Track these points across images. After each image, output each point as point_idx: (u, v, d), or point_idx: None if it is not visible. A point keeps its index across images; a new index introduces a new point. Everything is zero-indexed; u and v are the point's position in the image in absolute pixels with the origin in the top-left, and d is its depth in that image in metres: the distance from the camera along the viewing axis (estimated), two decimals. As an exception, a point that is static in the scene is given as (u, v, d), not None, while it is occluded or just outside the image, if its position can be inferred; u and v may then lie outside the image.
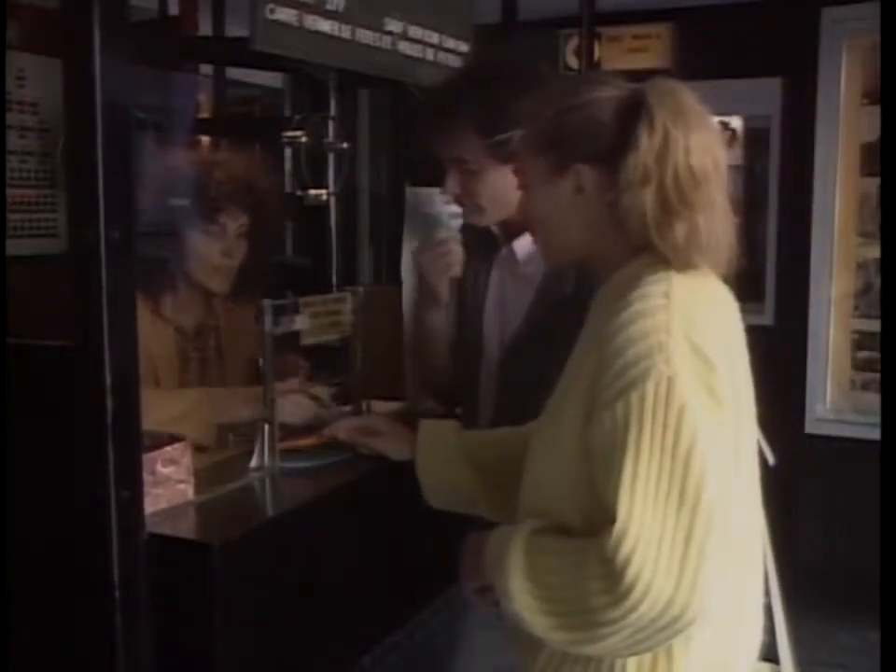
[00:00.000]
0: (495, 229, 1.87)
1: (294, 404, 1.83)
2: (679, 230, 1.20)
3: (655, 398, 1.11)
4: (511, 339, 1.81)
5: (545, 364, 1.68)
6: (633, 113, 1.21)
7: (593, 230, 1.28)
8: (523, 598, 1.17)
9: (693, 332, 1.15)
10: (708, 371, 1.14)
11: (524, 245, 1.81)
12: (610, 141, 1.22)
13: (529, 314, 1.79)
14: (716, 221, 1.22)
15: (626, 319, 1.16)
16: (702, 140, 1.21)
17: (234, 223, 1.97)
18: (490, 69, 1.77)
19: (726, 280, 1.30)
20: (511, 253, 1.84)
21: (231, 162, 2.06)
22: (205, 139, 2.69)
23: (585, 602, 1.12)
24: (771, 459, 1.34)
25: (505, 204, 1.78)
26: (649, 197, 1.19)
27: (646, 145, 1.18)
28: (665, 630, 1.10)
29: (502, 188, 1.75)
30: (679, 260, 1.21)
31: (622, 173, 1.20)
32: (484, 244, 1.91)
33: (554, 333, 1.68)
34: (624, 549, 1.08)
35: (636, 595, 1.08)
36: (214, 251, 1.96)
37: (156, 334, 1.90)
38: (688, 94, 1.23)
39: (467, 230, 2.01)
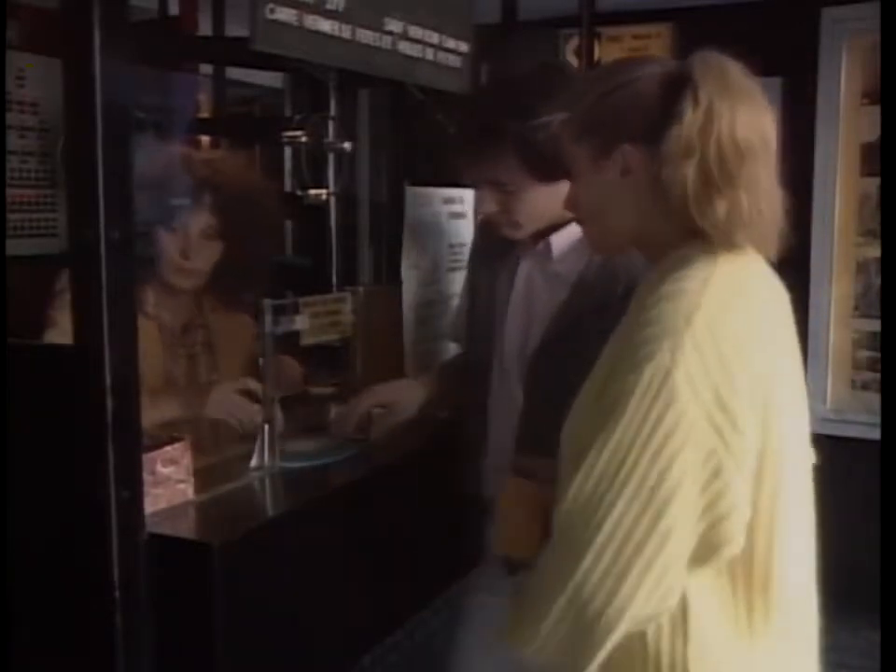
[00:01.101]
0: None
1: (231, 403, 1.84)
2: (720, 205, 1.15)
3: (647, 386, 1.07)
4: (541, 339, 1.76)
5: (577, 362, 1.66)
6: (678, 87, 1.17)
7: (642, 213, 1.24)
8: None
9: (720, 327, 1.10)
10: (725, 376, 1.08)
11: (561, 240, 1.77)
12: (655, 117, 1.17)
13: (563, 312, 1.74)
14: (761, 199, 1.17)
15: (656, 299, 1.13)
16: (749, 114, 1.16)
17: (197, 224, 1.95)
18: (519, 84, 1.72)
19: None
20: (547, 248, 1.79)
21: (200, 163, 2.03)
22: (202, 139, 2.69)
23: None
24: (812, 459, 1.28)
25: (542, 219, 1.75)
26: (690, 170, 1.14)
27: (689, 117, 1.14)
28: (582, 618, 1.07)
29: (542, 205, 1.72)
30: (719, 238, 1.16)
31: (664, 145, 1.15)
32: (502, 243, 1.86)
33: (590, 332, 1.67)
34: (563, 523, 1.09)
35: (565, 557, 1.08)
36: (173, 250, 1.94)
37: (140, 331, 1.89)
38: (736, 68, 1.19)
39: (482, 228, 1.99)
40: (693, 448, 1.06)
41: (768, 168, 1.19)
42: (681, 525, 1.06)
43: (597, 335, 1.66)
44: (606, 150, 1.23)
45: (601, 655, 1.10)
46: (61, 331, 1.75)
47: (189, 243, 1.94)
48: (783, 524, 1.15)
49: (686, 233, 1.20)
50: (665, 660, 1.13)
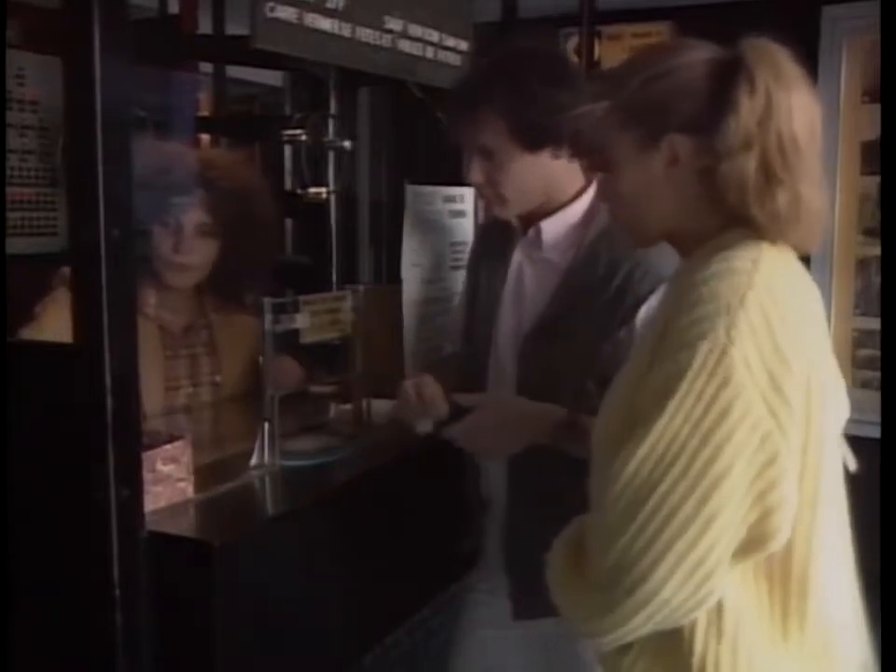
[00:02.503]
0: (514, 220, 1.86)
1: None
2: (783, 198, 1.12)
3: (703, 364, 1.03)
4: (535, 323, 1.78)
5: (571, 351, 1.68)
6: (730, 74, 1.13)
7: (685, 204, 1.20)
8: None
9: (771, 309, 1.07)
10: (778, 359, 1.04)
11: (552, 228, 1.79)
12: (706, 106, 1.14)
13: (555, 298, 1.76)
14: (815, 192, 1.15)
15: (703, 278, 1.10)
16: (802, 103, 1.13)
17: (192, 221, 1.94)
18: (519, 58, 1.76)
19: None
20: (537, 234, 1.81)
21: (195, 160, 2.03)
22: (203, 137, 2.69)
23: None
24: (853, 465, 1.24)
25: (529, 195, 1.77)
26: (751, 163, 1.11)
27: (747, 107, 1.11)
28: (614, 592, 1.05)
29: (527, 177, 1.74)
30: (774, 231, 1.14)
31: (720, 138, 1.11)
32: (502, 235, 1.90)
33: (583, 317, 1.69)
34: (611, 501, 1.05)
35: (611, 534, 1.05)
36: (166, 246, 1.94)
37: (139, 333, 1.88)
38: (786, 54, 1.16)
39: (482, 230, 2.02)
40: (749, 430, 1.03)
41: (818, 160, 1.16)
42: (729, 510, 1.02)
43: (589, 320, 1.68)
44: (653, 139, 1.18)
45: (626, 637, 1.08)
46: (39, 328, 1.75)
47: (181, 237, 1.94)
48: (822, 524, 1.12)
49: (727, 224, 1.16)
50: (697, 656, 1.10)
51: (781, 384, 1.04)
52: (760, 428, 1.03)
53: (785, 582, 1.12)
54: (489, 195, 1.81)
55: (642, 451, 1.04)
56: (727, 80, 1.13)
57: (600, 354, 1.64)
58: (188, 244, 1.95)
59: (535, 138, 1.71)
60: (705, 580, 1.04)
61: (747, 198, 1.13)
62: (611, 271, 1.67)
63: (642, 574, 1.03)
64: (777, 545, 1.07)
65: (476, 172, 1.77)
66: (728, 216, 1.16)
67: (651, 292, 1.61)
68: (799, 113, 1.13)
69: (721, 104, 1.12)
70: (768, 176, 1.12)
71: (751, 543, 1.06)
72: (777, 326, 1.06)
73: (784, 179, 1.12)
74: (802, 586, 1.12)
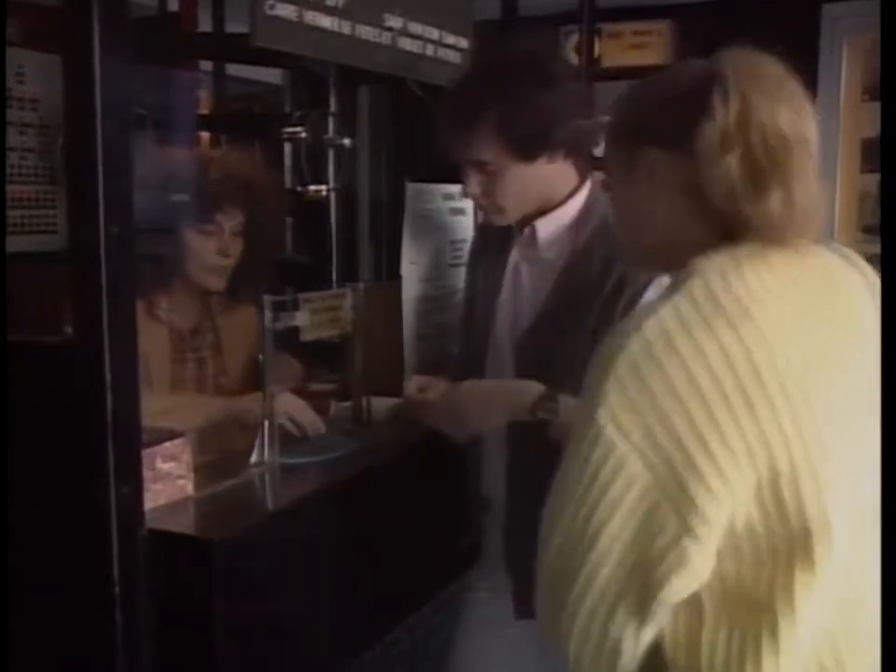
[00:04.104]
0: (513, 224, 1.86)
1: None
2: (775, 196, 1.10)
3: (581, 422, 1.06)
4: (531, 323, 1.79)
5: (567, 349, 1.69)
6: (704, 85, 1.12)
7: (673, 220, 1.18)
8: None
9: (645, 364, 1.02)
10: (657, 414, 1.01)
11: (547, 227, 1.79)
12: (681, 118, 1.13)
13: (552, 296, 1.77)
14: (811, 193, 1.13)
15: (606, 339, 1.09)
16: (790, 106, 1.12)
17: (230, 221, 1.96)
18: (510, 67, 1.73)
19: None
20: (533, 234, 1.81)
21: (227, 160, 2.06)
22: (203, 136, 2.69)
23: None
24: None
25: (527, 202, 1.78)
26: (734, 164, 1.09)
27: (721, 112, 1.10)
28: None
29: (523, 186, 1.75)
30: (772, 231, 1.11)
31: (698, 145, 1.10)
32: (500, 234, 1.89)
33: (579, 315, 1.69)
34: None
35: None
36: (209, 249, 1.95)
37: (149, 335, 1.89)
38: (766, 58, 1.15)
39: (482, 231, 2.02)
40: (622, 488, 1.01)
41: (813, 161, 1.14)
42: (611, 563, 1.03)
43: (585, 318, 1.69)
44: (636, 156, 1.19)
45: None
46: None
47: (222, 239, 1.95)
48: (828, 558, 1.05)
49: (716, 241, 1.13)
50: None
51: (661, 439, 1.00)
52: (637, 484, 1.01)
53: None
54: (487, 205, 1.81)
55: (550, 496, 1.08)
56: (701, 91, 1.12)
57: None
58: (228, 245, 1.96)
59: (530, 148, 1.71)
60: (602, 636, 1.05)
61: (737, 200, 1.11)
62: (607, 267, 1.68)
63: (557, 621, 1.07)
64: (674, 598, 1.04)
65: (473, 185, 1.78)
66: (722, 228, 1.13)
67: (647, 284, 1.62)
68: (785, 111, 1.12)
69: (695, 114, 1.11)
70: (756, 175, 1.10)
71: (647, 602, 1.03)
72: (653, 381, 1.01)
73: (774, 177, 1.10)
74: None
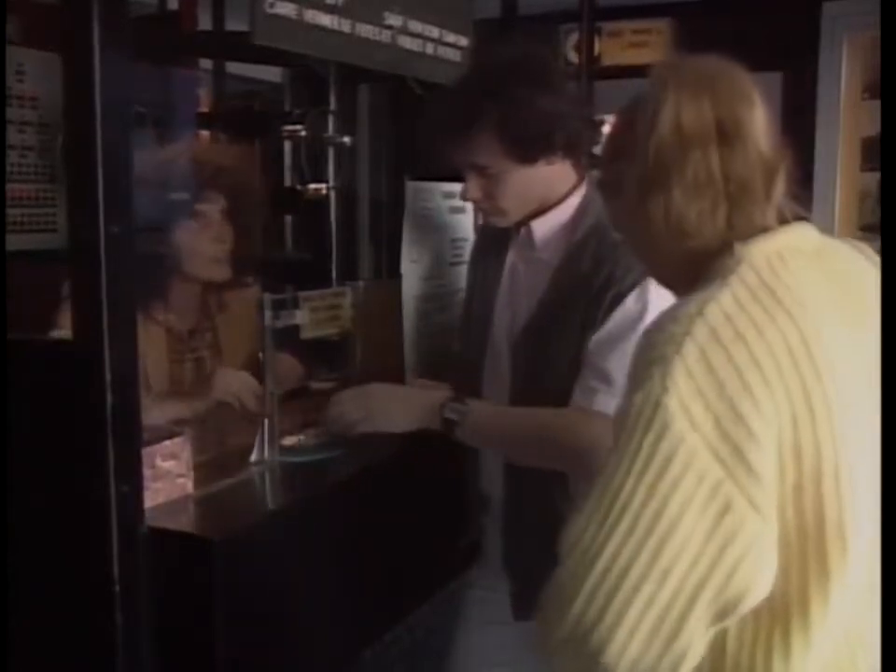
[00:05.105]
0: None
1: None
2: (656, 205, 1.11)
3: (639, 415, 0.99)
4: (526, 322, 1.79)
5: (561, 348, 1.70)
6: (634, 103, 1.15)
7: (651, 238, 1.17)
8: None
9: (714, 352, 1.00)
10: (726, 404, 0.98)
11: (542, 227, 1.79)
12: (630, 139, 1.14)
13: (545, 296, 1.77)
14: (689, 196, 1.10)
15: (648, 329, 1.08)
16: (696, 101, 1.10)
17: (216, 206, 1.94)
18: (506, 71, 1.73)
19: None
20: (529, 234, 1.81)
21: (200, 150, 2.07)
22: (203, 134, 2.69)
23: None
24: None
25: (527, 204, 1.78)
26: (629, 177, 1.13)
27: (641, 120, 1.11)
28: (580, 656, 1.01)
29: (524, 189, 1.75)
30: (755, 203, 1.12)
31: (636, 156, 1.12)
32: (499, 234, 1.90)
33: (571, 315, 1.69)
34: (566, 556, 1.02)
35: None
36: (205, 239, 1.93)
37: (146, 338, 1.87)
38: (691, 62, 1.15)
39: (482, 231, 2.03)
40: (695, 481, 0.97)
41: (744, 153, 1.11)
42: (684, 563, 0.97)
43: (575, 317, 1.69)
44: (615, 176, 1.20)
45: None
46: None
47: (213, 226, 1.94)
48: (841, 561, 1.04)
49: (724, 244, 1.12)
50: None
51: (730, 428, 0.98)
52: (708, 478, 0.97)
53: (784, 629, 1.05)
54: (488, 208, 1.81)
55: (589, 506, 1.01)
56: (633, 109, 1.15)
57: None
58: (221, 231, 1.94)
59: (530, 152, 1.70)
60: (672, 637, 0.98)
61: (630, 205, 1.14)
62: (595, 269, 1.68)
63: (602, 638, 0.98)
64: (753, 602, 1.00)
65: (473, 189, 1.77)
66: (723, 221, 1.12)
67: (631, 289, 1.62)
68: (690, 112, 1.10)
69: (631, 130, 1.13)
70: (643, 186, 1.11)
71: (725, 604, 0.99)
72: (721, 368, 1.00)
73: (656, 186, 1.10)
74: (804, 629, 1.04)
